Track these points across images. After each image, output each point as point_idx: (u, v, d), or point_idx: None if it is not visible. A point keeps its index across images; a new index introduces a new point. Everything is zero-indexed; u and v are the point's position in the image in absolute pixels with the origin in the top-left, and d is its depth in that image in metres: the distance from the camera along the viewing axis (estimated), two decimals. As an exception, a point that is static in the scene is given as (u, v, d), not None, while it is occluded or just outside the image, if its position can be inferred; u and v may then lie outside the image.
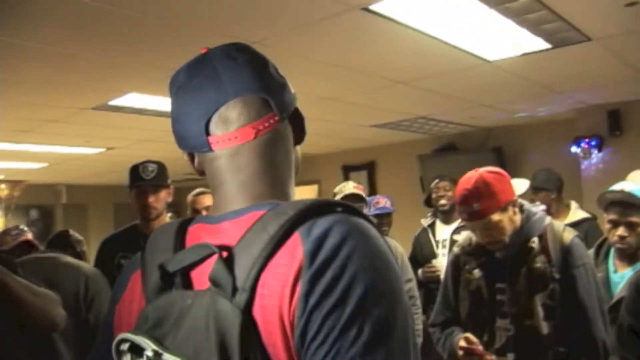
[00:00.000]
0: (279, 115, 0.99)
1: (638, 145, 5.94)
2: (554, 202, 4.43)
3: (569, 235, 2.36)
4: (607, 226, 2.90)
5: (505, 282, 2.37)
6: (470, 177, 2.33)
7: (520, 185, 2.73)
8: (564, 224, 2.50)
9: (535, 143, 7.15)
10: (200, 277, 0.87)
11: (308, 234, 0.83)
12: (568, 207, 4.44)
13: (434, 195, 4.60)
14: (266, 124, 0.97)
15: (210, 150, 0.99)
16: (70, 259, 3.21)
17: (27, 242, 3.83)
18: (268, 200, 0.94)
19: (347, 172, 9.02)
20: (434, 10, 3.23)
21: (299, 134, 1.06)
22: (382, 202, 4.84)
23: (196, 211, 3.81)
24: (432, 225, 4.62)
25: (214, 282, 0.83)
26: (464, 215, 2.37)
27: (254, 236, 0.85)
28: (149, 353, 0.84)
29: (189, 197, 4.03)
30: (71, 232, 3.75)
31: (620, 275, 2.89)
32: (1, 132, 6.17)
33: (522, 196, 2.54)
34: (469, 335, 2.37)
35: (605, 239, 3.04)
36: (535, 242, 2.36)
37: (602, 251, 3.06)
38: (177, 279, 0.90)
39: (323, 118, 6.26)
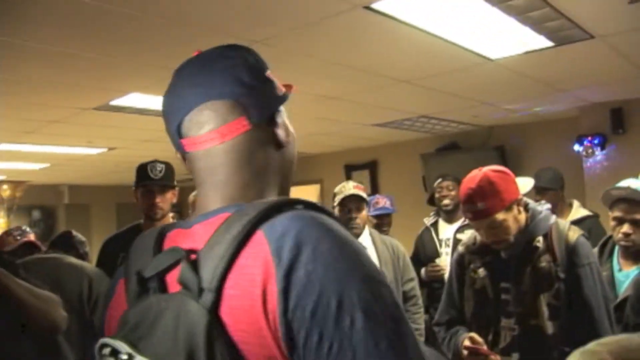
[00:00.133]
0: (249, 120, 1.01)
1: (641, 143, 5.92)
2: (560, 200, 4.42)
3: (574, 234, 2.35)
4: (612, 223, 2.89)
5: (510, 281, 2.36)
6: (474, 176, 2.32)
7: (525, 184, 2.71)
8: (569, 223, 2.48)
9: (537, 141, 7.13)
10: (174, 281, 0.89)
11: (271, 232, 0.84)
12: (570, 205, 4.43)
13: (437, 195, 4.59)
14: (233, 129, 1.00)
15: (185, 151, 1.04)
16: (73, 260, 3.21)
17: (30, 243, 3.84)
18: (239, 202, 0.97)
19: (350, 171, 9.01)
20: (436, 9, 3.21)
21: (279, 139, 1.06)
22: (382, 202, 4.84)
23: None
24: (435, 224, 4.61)
25: (182, 284, 0.85)
26: (468, 214, 2.35)
27: (218, 237, 0.87)
28: (124, 356, 0.86)
29: (190, 197, 4.02)
30: (74, 233, 3.75)
31: (625, 274, 2.87)
32: (3, 133, 6.18)
33: (526, 195, 2.53)
34: (474, 335, 2.36)
35: (610, 238, 3.03)
36: (540, 241, 2.35)
37: (606, 249, 3.05)
38: (153, 284, 0.92)
39: (325, 117, 6.25)
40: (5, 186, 10.22)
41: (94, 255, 3.80)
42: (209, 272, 0.84)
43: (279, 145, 1.06)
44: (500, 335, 2.35)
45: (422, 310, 3.79)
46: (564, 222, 2.48)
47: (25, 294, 2.20)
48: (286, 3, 3.06)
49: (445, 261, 4.28)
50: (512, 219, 2.30)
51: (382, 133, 7.51)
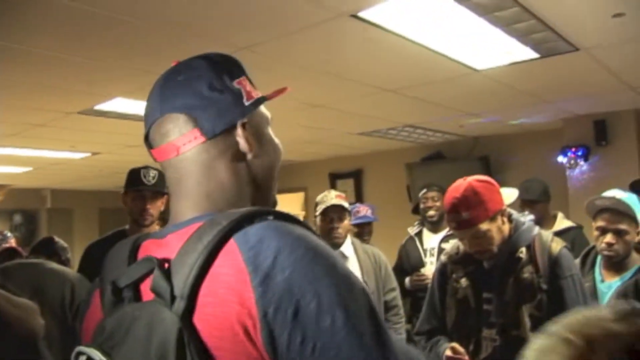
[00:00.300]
0: (202, 132, 1.01)
1: (624, 155, 5.98)
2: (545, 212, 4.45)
3: (557, 245, 2.35)
4: (595, 233, 2.88)
5: (493, 292, 2.36)
6: (459, 186, 2.33)
7: (510, 194, 2.71)
8: (552, 234, 2.48)
9: (522, 152, 7.17)
10: (148, 290, 0.90)
11: (244, 242, 0.86)
12: (554, 216, 4.45)
13: (422, 205, 4.59)
14: (186, 141, 1.01)
15: (156, 161, 1.07)
16: (55, 266, 3.16)
17: (12, 249, 3.80)
18: (209, 212, 0.99)
19: (334, 179, 8.99)
20: (423, 18, 3.22)
21: (241, 150, 1.05)
22: (363, 210, 4.83)
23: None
24: (419, 234, 4.61)
25: (155, 292, 0.87)
26: (452, 224, 2.35)
27: (190, 246, 0.88)
28: None
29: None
30: (56, 239, 3.71)
31: (608, 285, 2.88)
32: (-15, 136, 6.11)
33: (510, 206, 2.53)
34: (455, 345, 2.35)
35: (592, 248, 3.04)
36: (523, 252, 2.35)
37: (588, 260, 3.05)
38: (128, 293, 0.93)
39: (310, 125, 6.25)
40: (-14, 190, 10.12)
41: (75, 262, 3.76)
42: (181, 280, 0.85)
43: (242, 155, 1.05)
44: (482, 346, 2.34)
45: (403, 320, 3.78)
46: (547, 234, 2.49)
47: (1, 301, 2.17)
48: (273, 10, 3.06)
49: (430, 270, 4.27)
50: (496, 229, 2.30)
51: (368, 142, 7.52)
